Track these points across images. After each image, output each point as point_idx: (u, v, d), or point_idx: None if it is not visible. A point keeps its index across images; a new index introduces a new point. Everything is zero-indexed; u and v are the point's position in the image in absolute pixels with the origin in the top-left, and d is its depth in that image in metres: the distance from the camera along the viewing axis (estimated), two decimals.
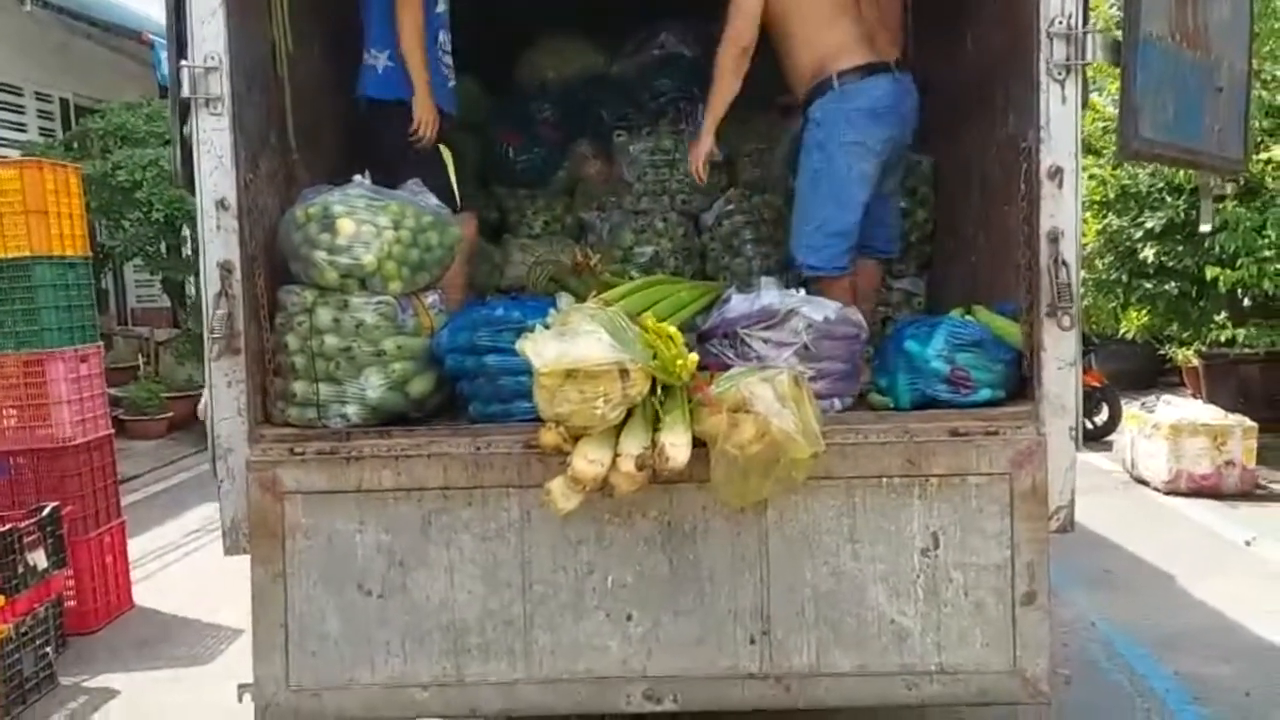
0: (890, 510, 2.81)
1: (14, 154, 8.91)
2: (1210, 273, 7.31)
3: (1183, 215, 7.64)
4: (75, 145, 9.33)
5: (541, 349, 2.58)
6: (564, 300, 3.08)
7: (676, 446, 2.60)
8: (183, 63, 2.83)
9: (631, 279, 4.21)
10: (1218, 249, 7.24)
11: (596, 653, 2.84)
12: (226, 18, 2.83)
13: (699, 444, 2.65)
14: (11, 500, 4.74)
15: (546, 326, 2.72)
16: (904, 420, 2.89)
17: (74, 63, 10.35)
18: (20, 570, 4.13)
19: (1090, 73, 2.93)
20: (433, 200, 3.18)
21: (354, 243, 2.91)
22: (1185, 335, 8.41)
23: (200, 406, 5.11)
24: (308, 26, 3.48)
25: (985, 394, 2.98)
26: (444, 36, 3.86)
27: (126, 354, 10.04)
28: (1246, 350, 7.95)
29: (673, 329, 2.78)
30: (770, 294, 3.19)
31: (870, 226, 3.75)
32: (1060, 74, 2.81)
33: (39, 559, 4.26)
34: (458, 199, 3.68)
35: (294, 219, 2.97)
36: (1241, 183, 6.55)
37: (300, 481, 2.84)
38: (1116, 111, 3.24)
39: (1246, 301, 7.86)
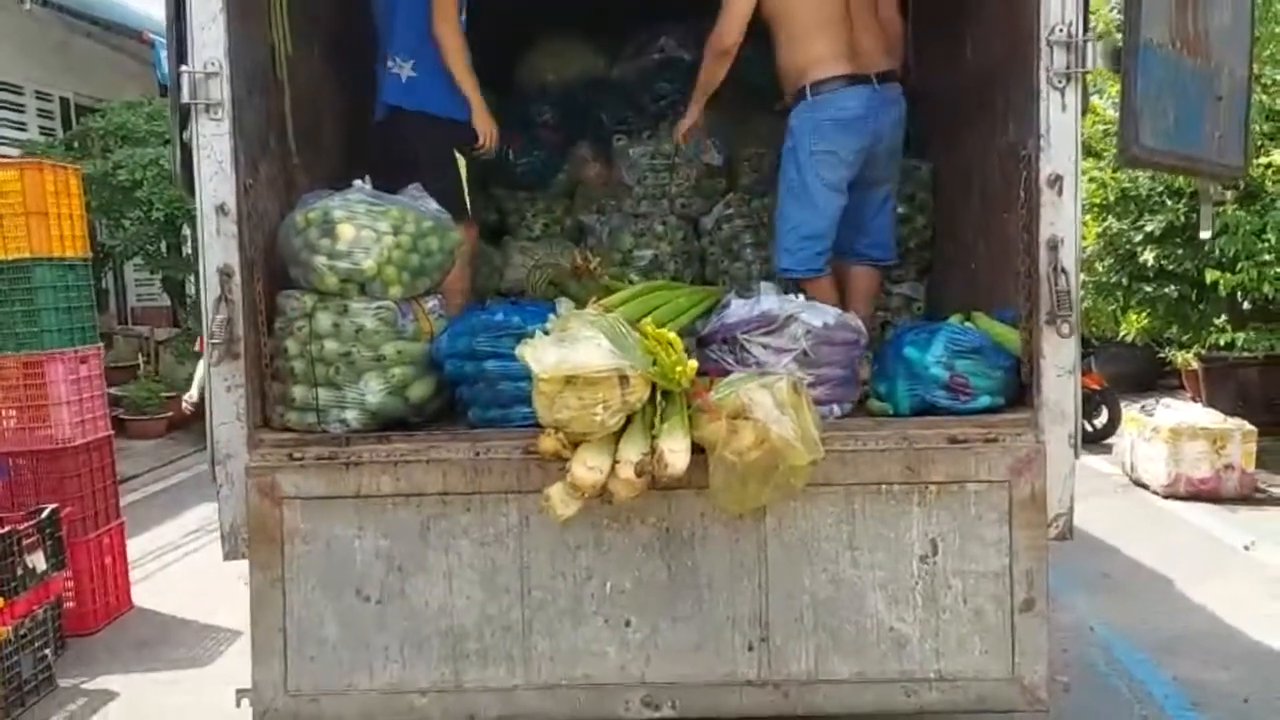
0: (889, 517, 2.82)
1: (14, 153, 8.91)
2: (1210, 276, 7.31)
3: (1183, 219, 7.64)
4: (75, 144, 9.33)
5: (541, 355, 2.58)
6: (564, 305, 3.08)
7: (675, 453, 2.60)
8: (183, 68, 2.83)
9: (631, 282, 4.22)
10: (1218, 252, 7.24)
11: (595, 659, 2.85)
12: (227, 23, 2.83)
13: (698, 450, 2.66)
14: (11, 501, 4.74)
15: (546, 332, 2.72)
16: (903, 427, 2.89)
17: (74, 62, 10.35)
18: (19, 572, 4.12)
19: (1091, 76, 2.93)
20: (433, 205, 3.18)
21: (354, 248, 2.91)
22: (1185, 338, 8.41)
23: (185, 400, 5.13)
24: (307, 29, 3.48)
25: (984, 401, 2.98)
26: None
27: (126, 353, 10.04)
28: (1246, 354, 7.94)
29: (672, 335, 2.79)
30: (769, 300, 3.19)
31: (860, 233, 3.83)
32: (1060, 82, 2.81)
33: (38, 561, 4.26)
34: (469, 206, 3.75)
35: (294, 224, 2.98)
36: (1241, 187, 6.56)
37: (299, 487, 2.84)
38: (1117, 115, 3.24)
39: (1246, 305, 7.87)
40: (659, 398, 2.71)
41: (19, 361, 4.81)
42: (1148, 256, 7.82)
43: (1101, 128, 7.83)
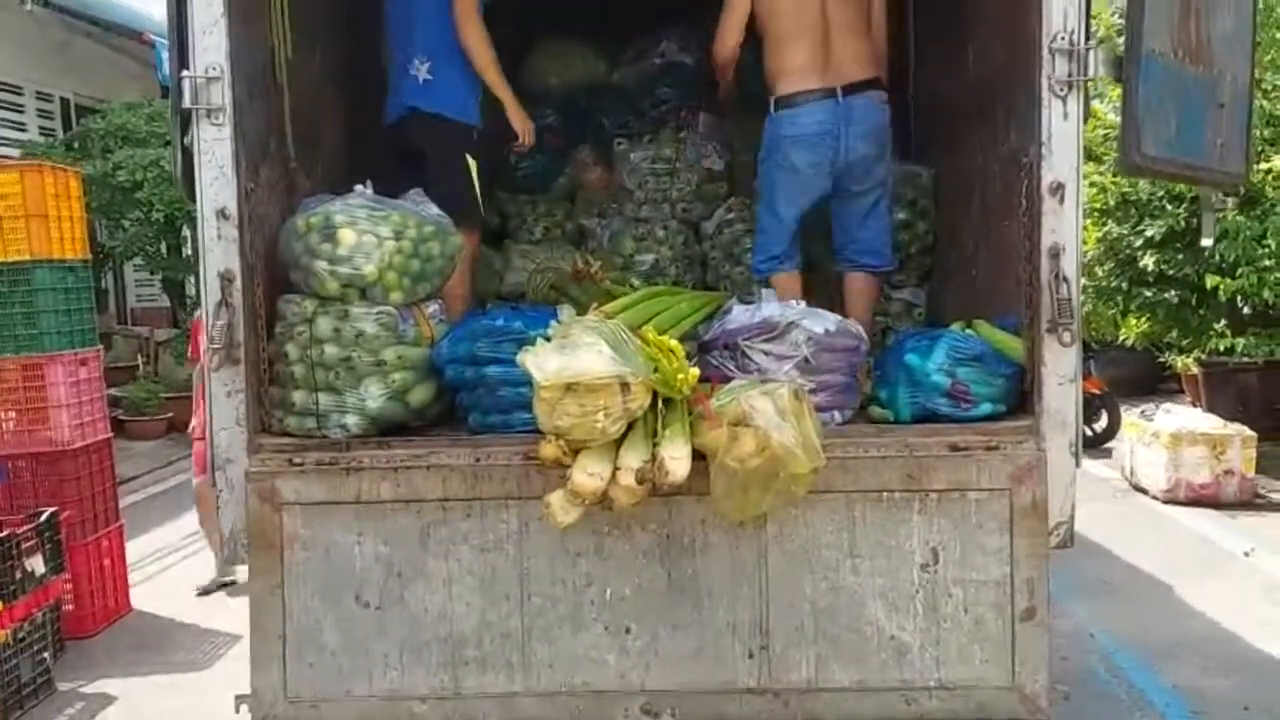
0: (890, 525, 2.81)
1: (14, 154, 8.91)
2: (1210, 281, 7.31)
3: (1183, 223, 7.64)
4: (76, 145, 9.32)
5: (542, 362, 2.58)
6: (565, 311, 3.08)
7: (676, 460, 2.60)
8: (184, 73, 2.82)
9: (632, 286, 4.22)
10: (1218, 258, 7.24)
11: (595, 666, 2.84)
12: (228, 27, 2.82)
13: (699, 457, 2.65)
14: (10, 504, 4.74)
15: (547, 338, 2.72)
16: (904, 434, 2.88)
17: (75, 62, 10.34)
18: (18, 576, 4.12)
19: (1091, 81, 2.92)
20: (433, 209, 3.17)
21: (355, 253, 2.91)
22: (1185, 343, 8.40)
23: (191, 428, 5.10)
24: (307, 32, 3.47)
25: (986, 408, 2.97)
26: None
27: (126, 354, 10.04)
28: (1246, 359, 7.94)
29: (674, 342, 2.78)
30: (771, 306, 3.19)
31: (849, 240, 3.90)
32: (1062, 90, 2.80)
33: (37, 564, 4.25)
34: (481, 209, 3.83)
35: (295, 228, 2.97)
36: (1242, 192, 6.55)
37: (299, 492, 2.84)
38: (1118, 119, 3.24)
39: (1246, 310, 7.86)
40: (660, 405, 2.71)
41: (19, 363, 4.81)
42: (1148, 261, 7.81)
43: (1102, 132, 7.83)
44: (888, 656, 2.81)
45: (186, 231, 9.21)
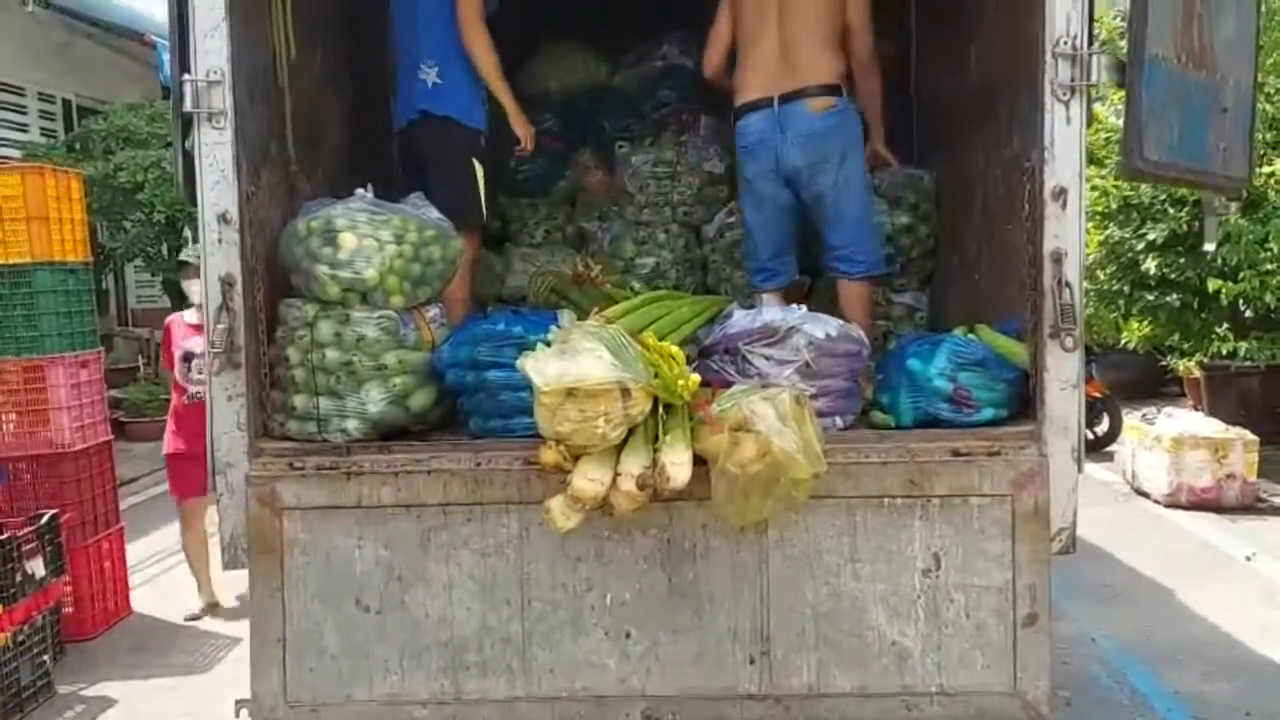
0: (891, 530, 2.80)
1: (16, 155, 8.91)
2: (1212, 285, 7.30)
3: (1185, 227, 7.62)
4: (77, 146, 9.32)
5: (543, 367, 2.57)
6: (565, 316, 3.07)
7: (677, 466, 2.59)
8: (185, 76, 2.82)
9: (633, 290, 4.22)
10: (1220, 261, 7.22)
11: (595, 671, 2.84)
12: (230, 30, 2.82)
13: (700, 462, 2.64)
14: (10, 506, 4.74)
15: (548, 343, 2.71)
16: (906, 440, 2.88)
17: (76, 63, 10.35)
18: (18, 579, 4.12)
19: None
20: (434, 213, 3.17)
21: (356, 257, 2.90)
22: (1186, 347, 8.38)
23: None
24: (309, 35, 3.47)
25: (988, 414, 2.97)
26: None
27: (126, 355, 10.04)
28: (1248, 363, 7.92)
29: (675, 348, 2.77)
30: (771, 311, 3.19)
31: (824, 247, 3.90)
32: (1065, 94, 2.80)
33: (37, 567, 4.25)
34: (484, 212, 3.86)
35: (296, 232, 2.96)
36: (1244, 196, 6.53)
37: (300, 497, 2.83)
38: (1120, 122, 3.23)
39: (1248, 314, 7.84)
40: (661, 410, 2.70)
41: (19, 365, 4.81)
42: (1150, 265, 7.80)
43: (1104, 135, 7.81)
44: (889, 662, 2.81)
45: (188, 232, 9.20)
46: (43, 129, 10.15)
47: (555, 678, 2.84)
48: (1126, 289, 8.12)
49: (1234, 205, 5.69)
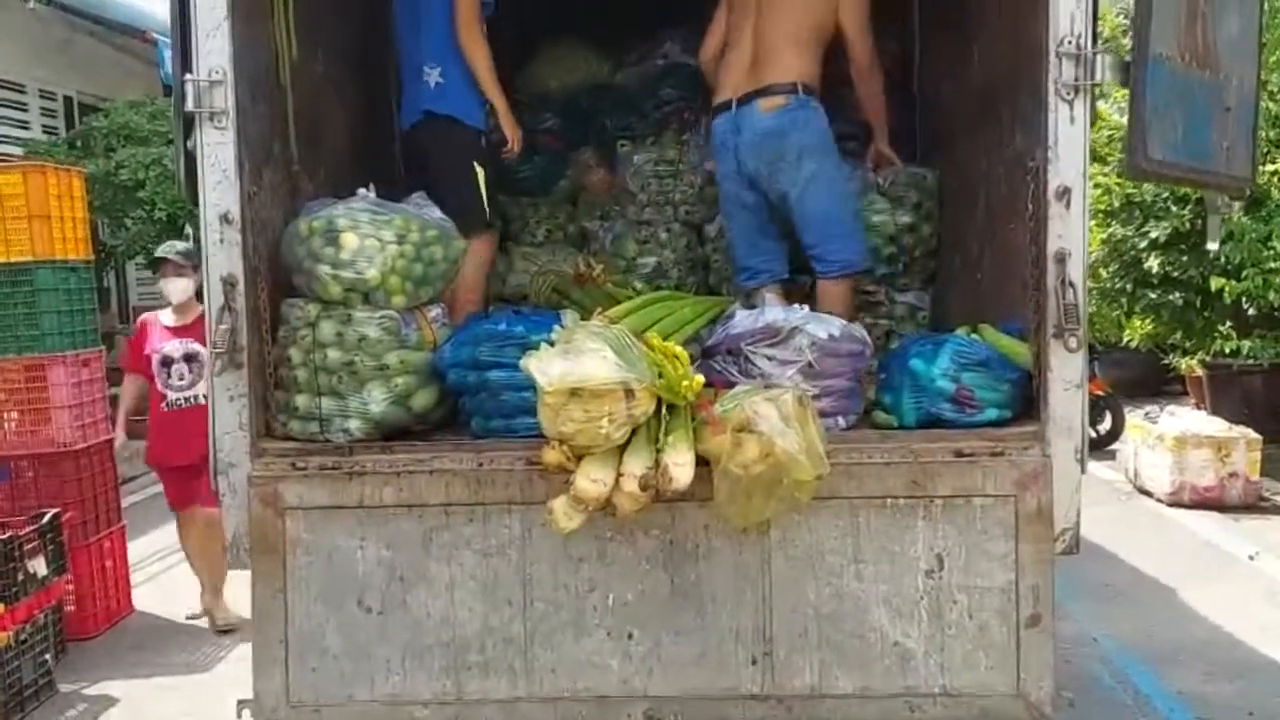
0: (894, 531, 2.80)
1: (17, 152, 8.90)
2: (1215, 283, 7.29)
3: (1188, 225, 7.61)
4: (79, 144, 9.30)
5: (547, 367, 2.57)
6: (569, 316, 3.07)
7: (680, 467, 2.59)
8: (187, 76, 2.81)
9: (635, 289, 4.21)
10: (1223, 259, 7.21)
11: (597, 671, 2.83)
12: (232, 30, 2.81)
13: (702, 463, 2.64)
14: (12, 504, 4.74)
15: (551, 344, 2.71)
16: (909, 440, 2.87)
17: (77, 60, 10.33)
18: (20, 578, 4.12)
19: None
20: (436, 213, 3.17)
21: (358, 257, 2.90)
22: (1189, 345, 8.38)
23: (118, 445, 5.00)
24: (311, 33, 3.46)
25: (991, 414, 2.96)
26: None
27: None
28: (1251, 361, 7.91)
29: (678, 349, 2.77)
30: (774, 311, 3.18)
31: (799, 247, 3.87)
32: (1069, 94, 2.78)
33: (39, 566, 4.25)
34: (488, 213, 3.85)
35: (298, 232, 2.96)
36: (1247, 194, 6.52)
37: (302, 497, 2.83)
38: (1123, 120, 3.23)
39: (1251, 312, 7.83)
40: (664, 411, 2.69)
41: (20, 364, 4.81)
42: (1152, 263, 7.79)
43: (1107, 133, 7.80)
44: (891, 663, 2.80)
45: (189, 230, 9.19)
46: (44, 126, 10.13)
47: (557, 678, 2.83)
48: (1129, 287, 8.11)
49: (1237, 204, 5.69)
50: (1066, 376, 2.83)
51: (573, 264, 4.41)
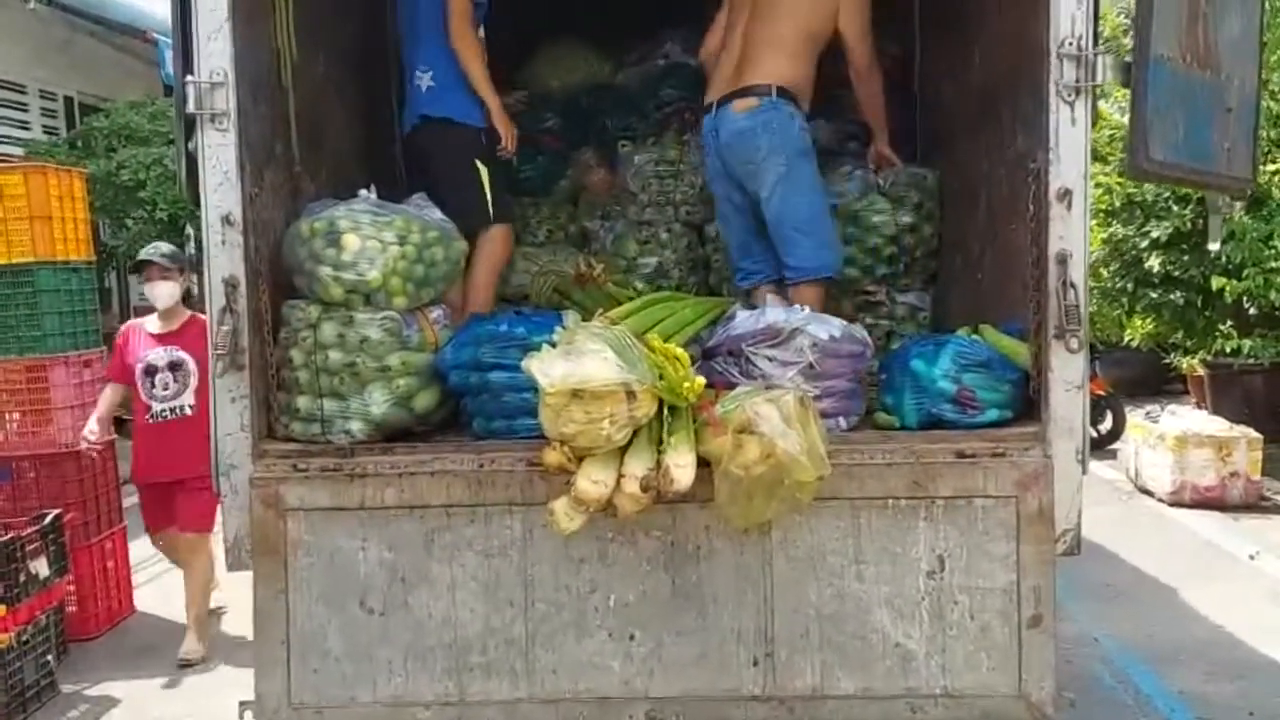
0: (896, 532, 2.80)
1: (18, 152, 8.90)
2: (1216, 283, 7.29)
3: (1189, 225, 7.62)
4: (79, 144, 9.30)
5: (548, 368, 2.56)
6: (570, 317, 3.07)
7: (681, 468, 2.59)
8: (188, 78, 2.81)
9: (635, 289, 4.21)
10: (1224, 259, 7.22)
11: (599, 672, 2.83)
12: (233, 32, 2.81)
13: (703, 464, 2.64)
14: (13, 505, 4.75)
15: (552, 345, 2.71)
16: (910, 441, 2.87)
17: (78, 61, 10.33)
18: (22, 579, 4.12)
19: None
20: (437, 214, 3.17)
21: (359, 258, 2.90)
22: (1190, 344, 8.38)
23: (85, 431, 4.78)
24: (312, 35, 3.46)
25: (992, 415, 2.96)
26: None
27: None
28: (1252, 361, 7.91)
29: (680, 350, 2.77)
30: (775, 311, 3.18)
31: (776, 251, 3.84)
32: (1070, 95, 2.78)
33: (40, 567, 4.25)
34: (491, 212, 3.83)
35: (299, 234, 2.96)
36: (1249, 194, 6.53)
37: (303, 499, 2.83)
38: (1124, 120, 3.23)
39: (1252, 311, 7.83)
40: (665, 412, 2.69)
41: (22, 365, 4.82)
42: (1153, 262, 7.79)
43: (1108, 133, 7.80)
44: (893, 664, 2.80)
45: (190, 230, 9.19)
46: (45, 126, 10.13)
47: (559, 679, 2.83)
48: (1130, 286, 8.12)
49: (1238, 204, 5.69)
50: (1067, 377, 2.83)
51: (574, 264, 4.41)
